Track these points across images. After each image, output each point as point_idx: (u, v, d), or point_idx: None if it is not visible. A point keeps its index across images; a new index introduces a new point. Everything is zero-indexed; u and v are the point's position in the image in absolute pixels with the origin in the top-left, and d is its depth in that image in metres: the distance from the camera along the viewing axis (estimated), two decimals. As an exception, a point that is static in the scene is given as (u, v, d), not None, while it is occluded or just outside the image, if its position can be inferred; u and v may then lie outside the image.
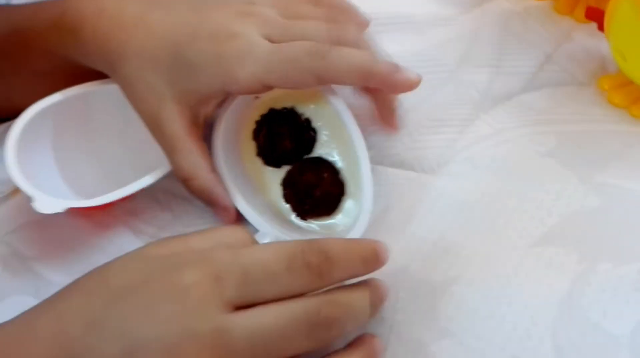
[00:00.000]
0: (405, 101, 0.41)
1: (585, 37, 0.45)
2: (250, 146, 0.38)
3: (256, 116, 0.38)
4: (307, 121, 0.38)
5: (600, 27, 0.40)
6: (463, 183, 0.36)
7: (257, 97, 0.38)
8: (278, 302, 0.26)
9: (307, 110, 0.38)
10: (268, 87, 0.35)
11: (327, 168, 0.37)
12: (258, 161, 0.38)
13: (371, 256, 0.29)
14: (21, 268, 0.29)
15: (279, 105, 0.38)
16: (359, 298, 0.29)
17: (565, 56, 0.44)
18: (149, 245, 0.29)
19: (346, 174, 0.37)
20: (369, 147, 0.36)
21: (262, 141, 0.38)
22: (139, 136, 0.37)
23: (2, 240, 0.35)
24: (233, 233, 0.29)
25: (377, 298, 0.30)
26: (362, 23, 0.40)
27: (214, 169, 0.36)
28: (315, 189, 0.36)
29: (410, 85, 0.34)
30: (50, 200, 0.33)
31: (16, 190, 0.38)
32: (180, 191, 0.37)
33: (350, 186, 0.36)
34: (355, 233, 0.34)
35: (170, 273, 0.26)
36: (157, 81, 0.35)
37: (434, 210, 0.35)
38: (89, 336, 0.25)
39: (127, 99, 0.37)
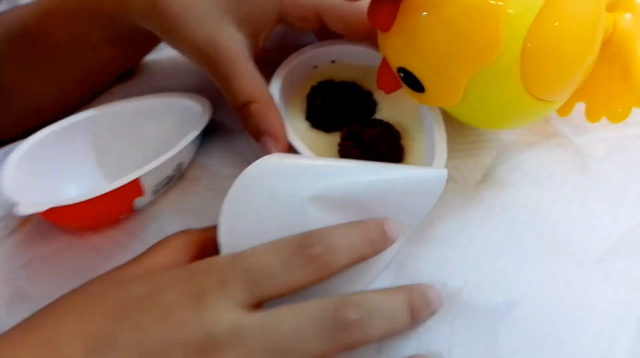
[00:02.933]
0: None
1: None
2: (299, 109, 0.37)
3: (313, 83, 0.37)
4: (369, 92, 0.37)
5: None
6: (513, 193, 0.32)
7: (315, 67, 0.38)
8: (295, 304, 0.26)
9: (368, 85, 0.37)
10: (321, 21, 0.35)
11: (393, 128, 0.34)
12: (304, 124, 0.36)
13: (377, 235, 0.29)
14: (26, 311, 0.26)
15: (338, 78, 0.37)
16: (392, 301, 0.27)
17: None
18: (114, 270, 0.28)
19: (405, 142, 0.34)
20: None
21: (319, 101, 0.36)
22: (146, 155, 0.34)
23: (6, 278, 0.32)
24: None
25: (419, 302, 0.28)
26: None
27: (272, 97, 0.34)
28: (383, 143, 0.33)
29: None
30: (34, 202, 0.31)
31: (23, 223, 0.35)
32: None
33: (408, 155, 0.34)
34: (439, 161, 0.31)
35: (175, 284, 0.26)
36: (212, 9, 0.34)
37: (484, 224, 0.31)
38: (93, 354, 0.24)
39: (169, 39, 0.35)
